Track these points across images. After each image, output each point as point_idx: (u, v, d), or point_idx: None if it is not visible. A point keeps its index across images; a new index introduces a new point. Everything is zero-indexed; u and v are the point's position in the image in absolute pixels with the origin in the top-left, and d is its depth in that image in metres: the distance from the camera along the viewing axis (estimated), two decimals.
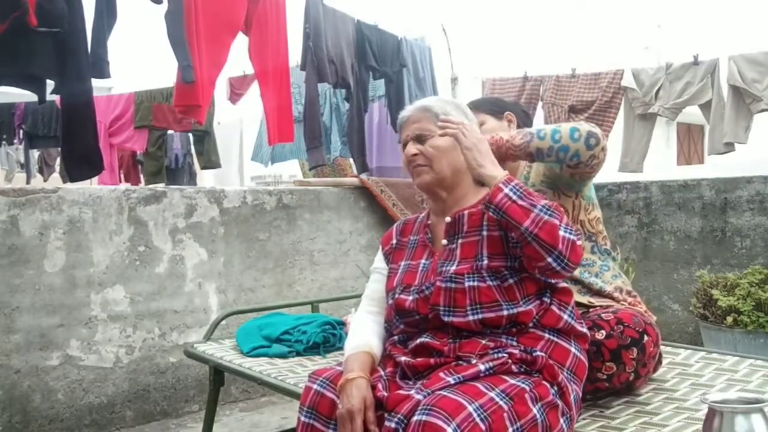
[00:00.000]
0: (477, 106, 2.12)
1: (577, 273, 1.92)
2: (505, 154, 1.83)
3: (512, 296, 1.55)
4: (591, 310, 1.88)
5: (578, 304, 1.87)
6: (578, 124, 1.81)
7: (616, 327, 1.73)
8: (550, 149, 1.78)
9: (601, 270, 1.96)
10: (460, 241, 1.66)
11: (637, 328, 1.74)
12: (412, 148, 1.74)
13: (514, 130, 2.03)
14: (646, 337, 1.75)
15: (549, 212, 1.50)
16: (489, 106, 2.16)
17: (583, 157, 1.79)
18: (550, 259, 1.49)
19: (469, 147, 1.61)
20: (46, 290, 2.99)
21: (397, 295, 1.69)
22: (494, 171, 1.58)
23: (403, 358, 1.61)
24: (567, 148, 1.77)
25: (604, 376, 1.72)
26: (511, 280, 1.56)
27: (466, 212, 1.69)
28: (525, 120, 2.18)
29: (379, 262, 1.86)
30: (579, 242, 1.52)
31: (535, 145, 1.80)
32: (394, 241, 1.84)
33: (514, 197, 1.51)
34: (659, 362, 1.94)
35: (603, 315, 1.78)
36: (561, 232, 1.49)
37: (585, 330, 1.66)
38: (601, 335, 1.71)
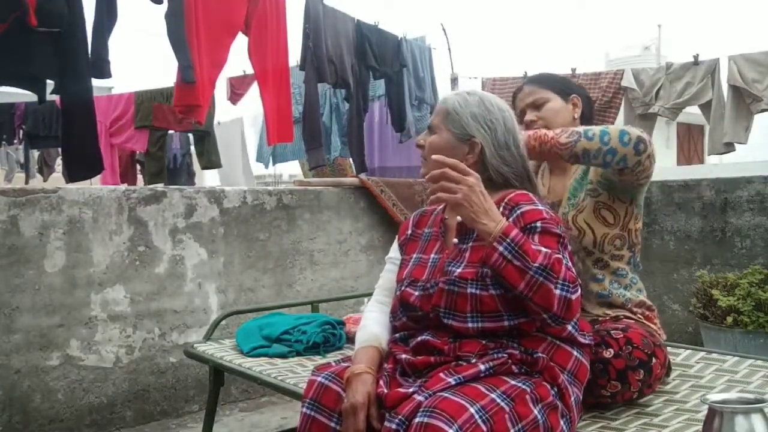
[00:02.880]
0: (540, 82, 1.99)
1: (606, 283, 1.90)
2: (548, 152, 1.75)
3: (514, 307, 1.53)
4: (600, 318, 1.87)
5: (591, 314, 1.87)
6: (628, 128, 1.75)
7: (625, 347, 1.70)
8: (598, 151, 1.71)
9: (630, 282, 1.93)
10: (470, 243, 1.64)
11: (646, 350, 1.71)
12: (421, 138, 1.75)
13: (578, 114, 1.96)
14: (654, 360, 1.72)
15: (545, 273, 1.44)
16: (555, 84, 1.99)
17: (630, 162, 1.74)
18: (545, 316, 1.48)
19: (460, 203, 1.49)
20: (46, 290, 2.99)
21: (404, 288, 1.68)
22: (489, 224, 1.48)
23: (403, 356, 1.60)
24: (615, 151, 1.71)
25: (608, 394, 1.70)
26: None
27: None
28: (588, 109, 2.03)
29: (394, 252, 1.86)
30: (576, 295, 1.47)
31: (583, 145, 1.72)
32: (409, 232, 1.83)
33: (509, 256, 1.45)
34: (668, 374, 1.93)
35: (612, 332, 1.74)
36: (557, 293, 1.44)
37: (588, 341, 1.65)
38: (609, 353, 1.69)
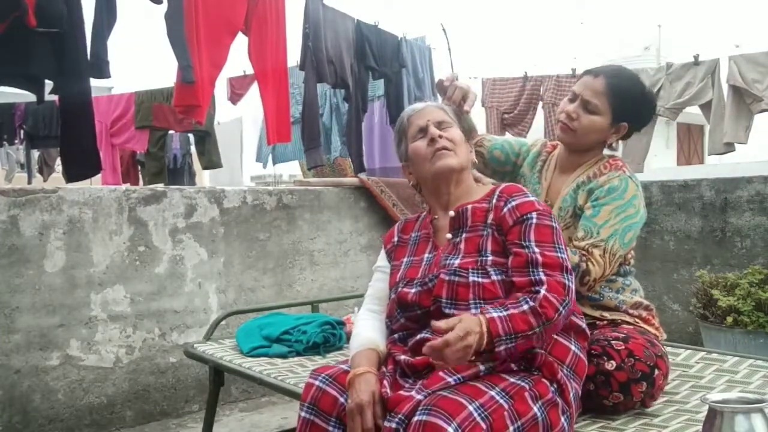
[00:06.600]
0: (611, 86, 1.89)
1: (597, 287, 1.90)
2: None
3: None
4: (599, 324, 1.87)
5: (588, 316, 1.86)
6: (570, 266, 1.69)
7: (627, 360, 1.69)
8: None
9: (623, 286, 1.94)
10: (464, 235, 1.67)
11: (648, 362, 1.70)
12: (437, 131, 1.72)
13: (614, 141, 2.00)
14: (656, 372, 1.72)
15: (545, 326, 1.47)
16: (620, 101, 1.91)
17: (582, 290, 1.81)
18: None
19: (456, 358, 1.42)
20: (46, 290, 2.98)
21: (400, 289, 1.69)
22: (482, 339, 1.43)
23: (402, 357, 1.60)
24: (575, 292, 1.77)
25: (610, 404, 1.70)
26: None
27: (469, 206, 1.69)
28: (628, 134, 2.03)
29: (382, 260, 1.86)
30: (570, 289, 1.53)
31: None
32: (396, 239, 1.84)
33: (512, 345, 1.44)
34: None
35: (614, 343, 1.72)
36: (561, 316, 1.50)
37: (584, 325, 1.66)
38: (611, 366, 1.68)
